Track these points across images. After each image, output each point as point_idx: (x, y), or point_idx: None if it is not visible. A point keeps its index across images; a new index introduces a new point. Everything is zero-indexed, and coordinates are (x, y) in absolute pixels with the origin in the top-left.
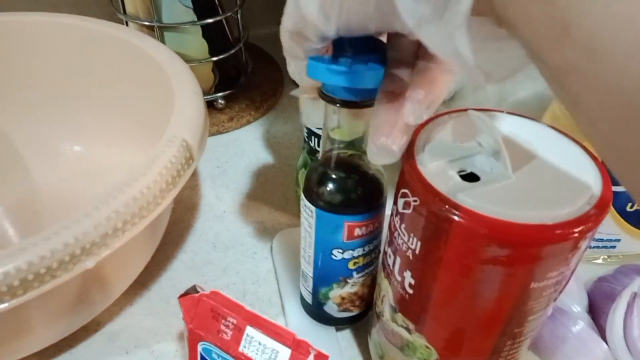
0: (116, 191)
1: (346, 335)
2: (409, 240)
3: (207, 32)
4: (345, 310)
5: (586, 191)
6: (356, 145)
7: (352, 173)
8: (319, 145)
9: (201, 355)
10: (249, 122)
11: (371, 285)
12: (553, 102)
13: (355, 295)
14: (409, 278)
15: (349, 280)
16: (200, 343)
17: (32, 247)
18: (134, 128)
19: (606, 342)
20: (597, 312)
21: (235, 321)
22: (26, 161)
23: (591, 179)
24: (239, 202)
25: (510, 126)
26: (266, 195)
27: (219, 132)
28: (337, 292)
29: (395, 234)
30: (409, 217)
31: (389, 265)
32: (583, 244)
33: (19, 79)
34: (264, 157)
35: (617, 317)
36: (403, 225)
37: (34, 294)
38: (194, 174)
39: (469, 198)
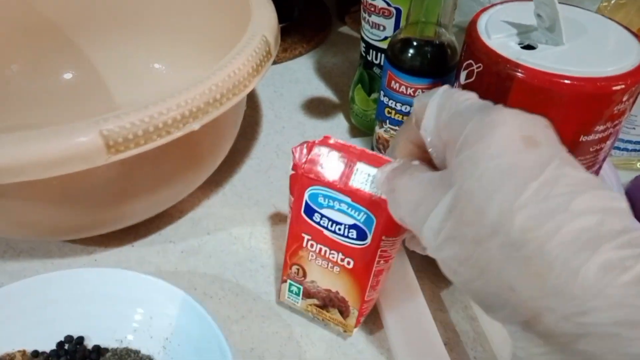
0: (214, 70)
1: None
2: None
3: None
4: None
5: (628, 58)
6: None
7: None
8: (376, 59)
9: (306, 202)
10: (300, 54)
11: None
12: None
13: (386, 141)
14: None
15: (384, 125)
16: (307, 189)
17: (152, 106)
18: (209, 46)
19: None
20: (634, 205)
21: (345, 160)
22: (109, 81)
23: (634, 51)
24: (296, 120)
25: (565, 11)
26: (321, 115)
27: (274, 62)
28: (377, 129)
29: None
30: (471, 85)
31: None
32: (625, 100)
33: (104, 10)
34: (316, 83)
35: None
36: None
37: (150, 146)
38: (255, 96)
39: (528, 59)
